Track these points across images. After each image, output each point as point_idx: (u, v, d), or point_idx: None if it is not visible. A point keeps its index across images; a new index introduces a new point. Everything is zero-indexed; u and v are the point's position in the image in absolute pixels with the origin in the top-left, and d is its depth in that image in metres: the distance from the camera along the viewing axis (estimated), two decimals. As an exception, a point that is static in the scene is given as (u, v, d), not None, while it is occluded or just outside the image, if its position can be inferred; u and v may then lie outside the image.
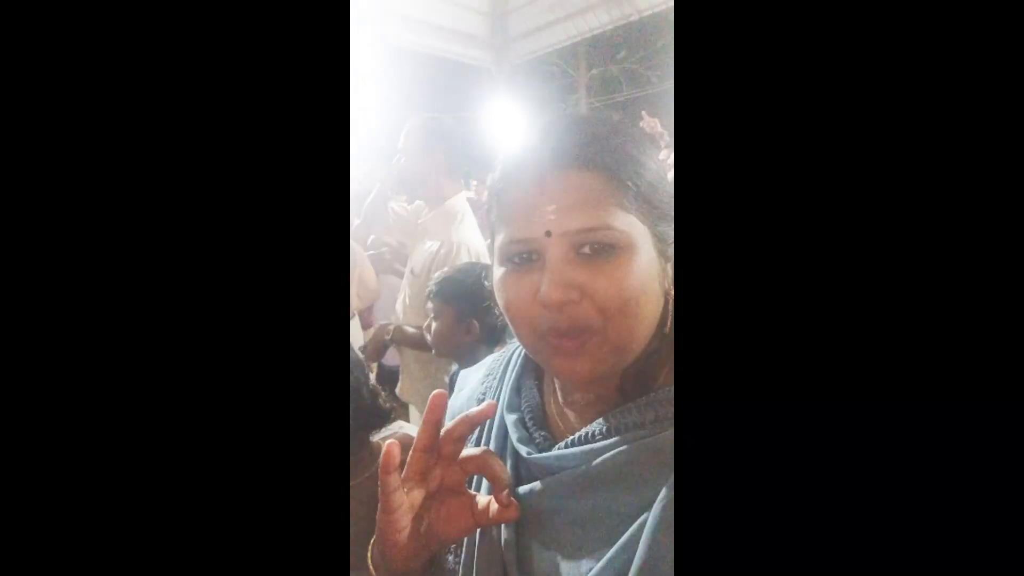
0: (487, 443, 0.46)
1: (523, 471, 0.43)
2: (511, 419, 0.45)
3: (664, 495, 0.35)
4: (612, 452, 0.38)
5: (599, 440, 0.39)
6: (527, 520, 0.41)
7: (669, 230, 0.40)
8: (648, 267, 0.38)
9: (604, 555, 0.36)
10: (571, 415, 0.44)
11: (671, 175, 0.45)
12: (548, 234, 0.37)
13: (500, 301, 0.41)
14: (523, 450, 0.42)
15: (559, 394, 0.45)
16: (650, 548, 0.35)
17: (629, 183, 0.38)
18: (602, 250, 0.37)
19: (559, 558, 0.39)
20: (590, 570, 0.37)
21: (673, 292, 0.40)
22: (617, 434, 0.39)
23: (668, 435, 0.37)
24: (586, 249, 0.37)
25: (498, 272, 0.41)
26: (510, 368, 0.49)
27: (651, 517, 0.35)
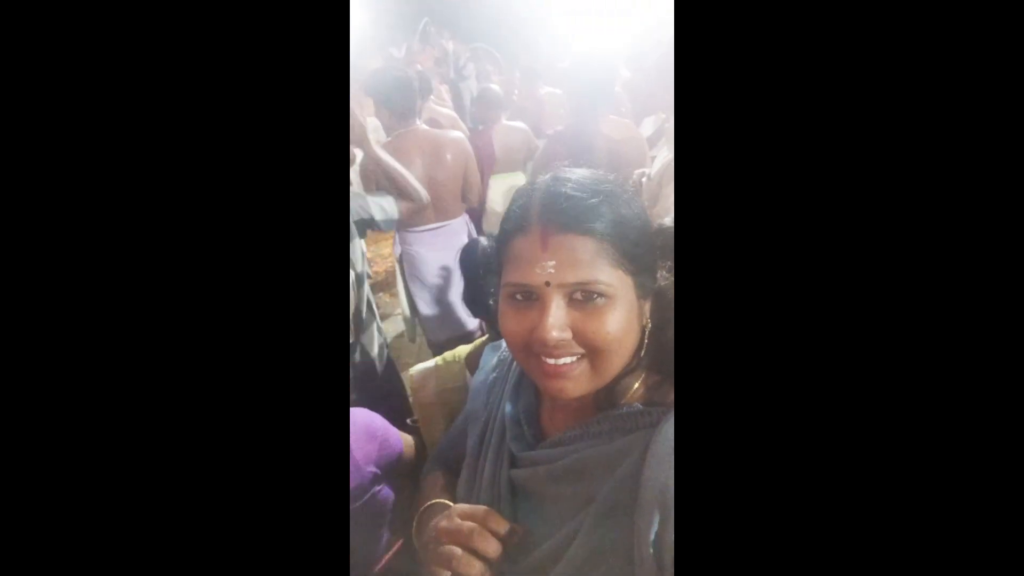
0: (491, 436, 0.58)
1: (516, 459, 0.55)
2: (509, 414, 0.57)
3: (604, 491, 0.45)
4: (573, 455, 0.49)
5: (567, 444, 0.50)
6: (519, 496, 0.53)
7: (648, 279, 0.48)
8: (629, 310, 0.46)
9: (563, 528, 0.47)
10: (559, 416, 0.55)
11: (663, 220, 0.53)
12: (547, 284, 0.44)
13: (501, 329, 0.49)
14: (515, 446, 0.54)
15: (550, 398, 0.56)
16: (590, 530, 0.45)
17: (617, 245, 0.45)
18: (591, 297, 0.45)
19: (539, 525, 0.50)
20: (556, 535, 0.47)
21: (650, 325, 0.49)
22: (580, 441, 0.49)
23: (618, 444, 0.47)
24: (578, 295, 0.45)
25: (502, 305, 0.49)
26: (515, 365, 0.61)
27: (594, 506, 0.45)
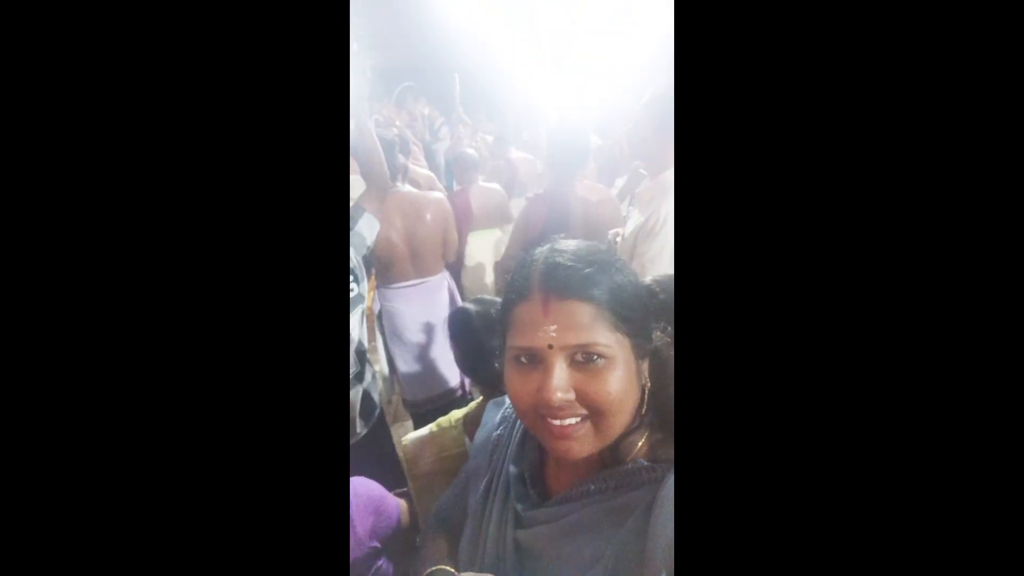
0: (495, 495, 0.59)
1: (521, 518, 0.55)
2: (514, 473, 0.58)
3: (610, 549, 0.47)
4: (579, 512, 0.50)
5: (573, 501, 0.51)
6: (525, 557, 0.53)
7: (644, 340, 0.51)
8: (628, 371, 0.49)
9: None
10: (563, 474, 0.56)
11: (643, 279, 0.56)
12: (550, 347, 0.47)
13: (507, 391, 0.51)
14: (519, 506, 0.55)
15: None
16: None
17: (614, 310, 0.48)
18: (592, 358, 0.47)
19: None
20: None
21: (649, 385, 0.51)
22: (585, 497, 0.51)
23: (623, 499, 0.49)
24: (579, 357, 0.47)
25: (507, 368, 0.51)
26: (520, 423, 0.62)
27: (601, 565, 0.46)
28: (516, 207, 2.59)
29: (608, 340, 0.47)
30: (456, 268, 2.37)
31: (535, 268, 0.50)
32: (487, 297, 1.01)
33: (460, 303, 2.09)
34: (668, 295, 0.53)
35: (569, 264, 0.49)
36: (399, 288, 1.88)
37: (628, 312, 0.49)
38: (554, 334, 0.47)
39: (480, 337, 0.93)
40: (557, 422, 0.47)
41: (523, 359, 0.49)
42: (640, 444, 0.52)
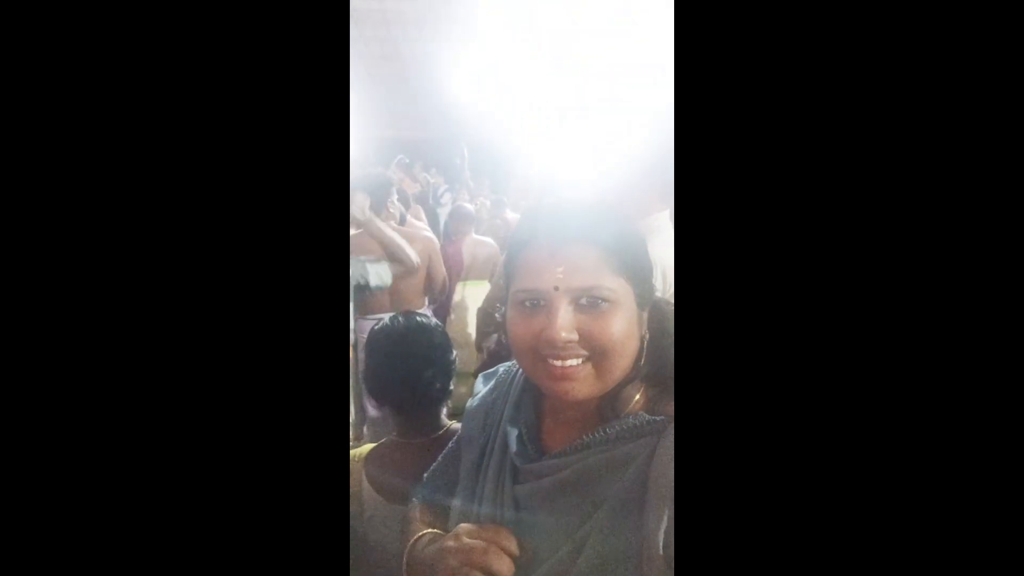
0: (491, 455, 0.58)
1: (519, 474, 0.55)
2: (512, 434, 0.57)
3: (611, 494, 0.47)
4: (579, 463, 0.50)
5: (573, 454, 0.51)
6: (523, 513, 0.53)
7: (646, 289, 0.51)
8: (630, 317, 0.49)
9: (569, 541, 0.47)
10: (560, 431, 0.55)
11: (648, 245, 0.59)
12: (556, 288, 0.48)
13: (509, 335, 0.52)
14: (518, 461, 0.55)
15: (553, 412, 0.57)
16: (598, 541, 0.46)
17: (618, 255, 0.49)
18: (596, 302, 0.48)
19: (544, 541, 0.49)
20: (563, 549, 0.47)
21: (648, 336, 0.52)
22: (586, 449, 0.50)
23: (624, 448, 0.48)
24: (584, 300, 0.48)
25: (510, 312, 0.52)
26: (514, 385, 0.62)
27: (598, 517, 0.47)
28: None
29: (613, 284, 0.48)
30: (442, 317, 2.31)
31: (542, 215, 0.51)
32: (417, 311, 0.96)
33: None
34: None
35: (575, 210, 0.51)
36: (375, 319, 1.80)
37: (632, 260, 0.50)
38: (561, 275, 0.47)
39: (389, 354, 0.87)
40: (559, 363, 0.48)
41: (527, 303, 0.49)
42: (637, 398, 0.52)
